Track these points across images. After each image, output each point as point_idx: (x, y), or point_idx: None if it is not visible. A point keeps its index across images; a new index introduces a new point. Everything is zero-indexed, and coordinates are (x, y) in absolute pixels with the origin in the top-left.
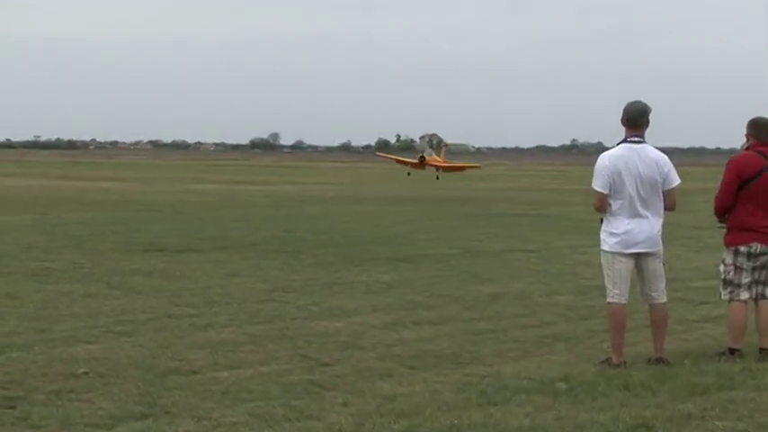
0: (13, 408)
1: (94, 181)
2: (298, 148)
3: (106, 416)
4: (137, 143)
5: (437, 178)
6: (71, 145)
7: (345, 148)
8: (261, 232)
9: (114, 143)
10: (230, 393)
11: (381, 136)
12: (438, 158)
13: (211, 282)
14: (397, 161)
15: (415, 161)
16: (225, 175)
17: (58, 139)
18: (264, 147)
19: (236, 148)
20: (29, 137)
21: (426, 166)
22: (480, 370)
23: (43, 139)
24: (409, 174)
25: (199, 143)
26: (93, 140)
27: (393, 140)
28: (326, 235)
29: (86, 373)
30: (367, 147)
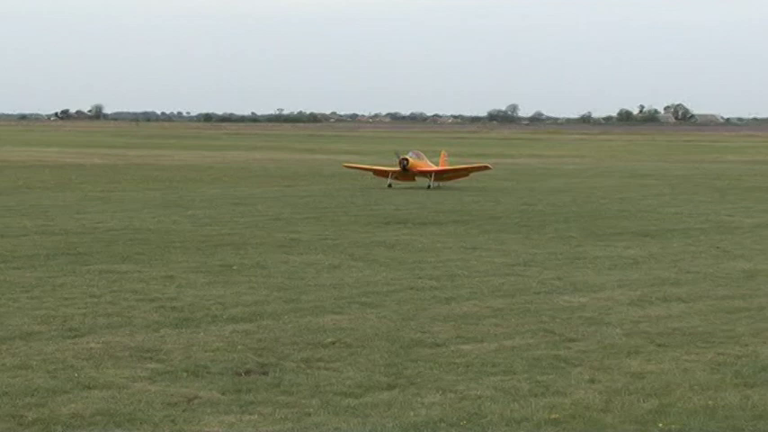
0: (265, 374)
1: (334, 154)
2: (536, 120)
3: (354, 385)
4: (375, 116)
5: (428, 187)
6: (313, 118)
7: (585, 120)
8: (500, 206)
9: (354, 116)
10: (474, 366)
11: (623, 107)
12: (426, 162)
13: (452, 255)
14: (374, 172)
15: (397, 168)
16: (463, 148)
17: (300, 113)
18: (503, 119)
19: (474, 120)
20: (272, 110)
21: (412, 173)
22: (735, 350)
23: (286, 112)
24: (390, 185)
25: (437, 116)
26: (334, 113)
27: (636, 111)
28: (568, 209)
29: (333, 343)
30: (608, 118)
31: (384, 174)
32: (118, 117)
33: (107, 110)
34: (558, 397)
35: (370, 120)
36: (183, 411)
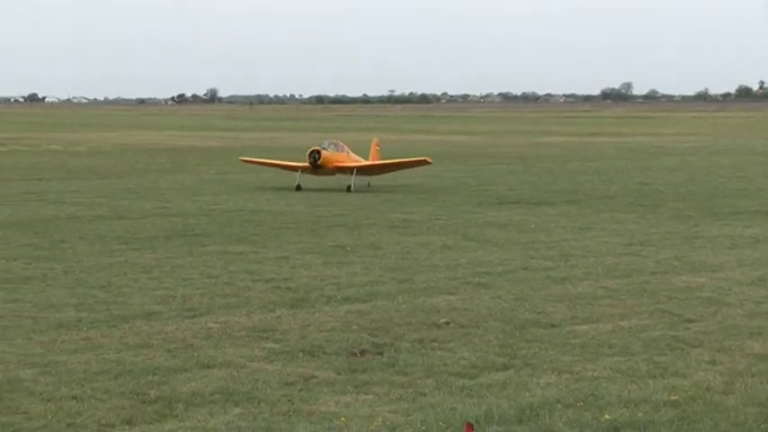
0: (380, 354)
1: (445, 134)
2: (651, 97)
3: (468, 365)
4: (487, 96)
5: (348, 189)
6: (423, 99)
7: (702, 97)
8: (614, 185)
9: (465, 96)
10: (590, 347)
11: (742, 83)
12: (348, 155)
13: (565, 235)
14: (281, 167)
15: (305, 164)
16: (575, 127)
17: (411, 94)
18: (616, 97)
19: (586, 99)
20: (384, 92)
21: (328, 169)
22: None
23: (397, 93)
24: (299, 187)
25: (549, 95)
26: (445, 94)
27: (756, 87)
28: (685, 187)
29: (447, 323)
30: (726, 95)
31: (293, 169)
32: (232, 100)
33: (221, 93)
34: (678, 378)
35: (481, 100)
36: (300, 391)
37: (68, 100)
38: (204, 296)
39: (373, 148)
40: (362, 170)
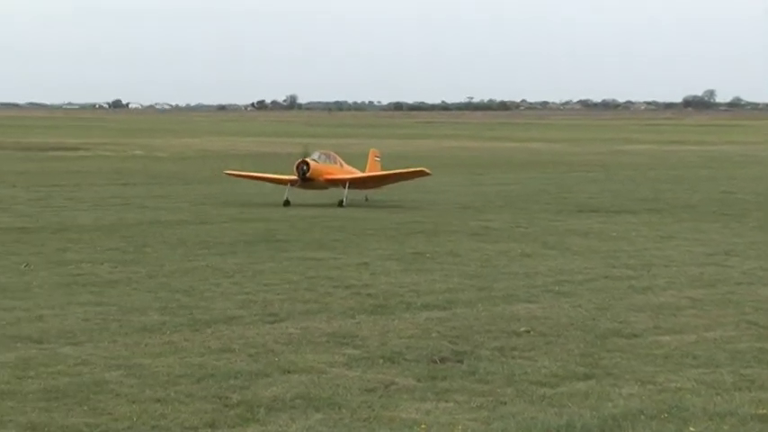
0: (461, 362)
1: (524, 142)
2: (735, 105)
3: (549, 374)
4: (566, 103)
5: (340, 204)
6: (502, 106)
7: None
8: (697, 194)
9: (544, 103)
10: (673, 358)
11: None
12: (340, 167)
13: (647, 243)
14: (269, 180)
15: (293, 177)
16: (656, 135)
17: (490, 101)
18: (698, 104)
19: (668, 106)
20: (462, 98)
21: (319, 182)
22: None
23: (476, 100)
24: (287, 202)
25: (629, 102)
26: (524, 101)
27: None
28: None
29: (528, 332)
30: None
31: (281, 183)
32: (311, 107)
33: (301, 100)
34: (765, 392)
35: (561, 107)
36: (380, 397)
37: (151, 106)
38: (285, 301)
39: (371, 160)
40: (355, 183)
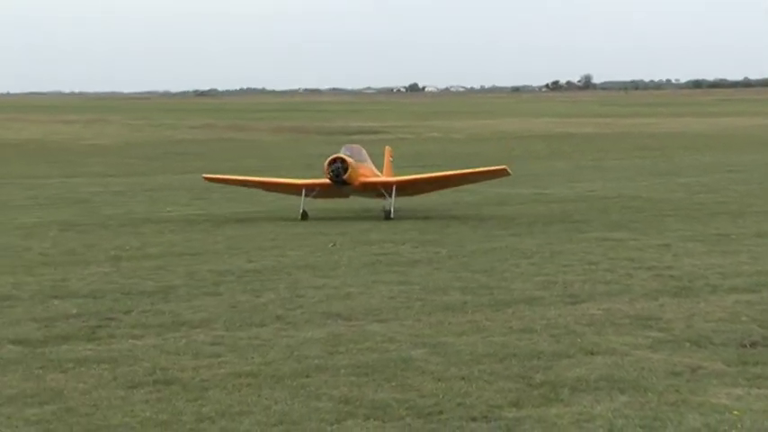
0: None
1: None
2: None
3: None
4: None
5: (387, 217)
6: None
7: None
8: None
9: None
10: None
11: None
12: (371, 167)
13: None
14: (272, 186)
15: (322, 181)
16: None
17: None
18: None
19: None
20: (766, 74)
21: (353, 187)
22: None
23: None
24: (305, 215)
25: None
26: None
27: None
28: None
29: None
30: None
31: (294, 189)
32: (606, 86)
33: (596, 79)
34: None
35: None
36: (687, 381)
37: (446, 89)
38: (585, 283)
39: (387, 158)
40: (403, 186)
